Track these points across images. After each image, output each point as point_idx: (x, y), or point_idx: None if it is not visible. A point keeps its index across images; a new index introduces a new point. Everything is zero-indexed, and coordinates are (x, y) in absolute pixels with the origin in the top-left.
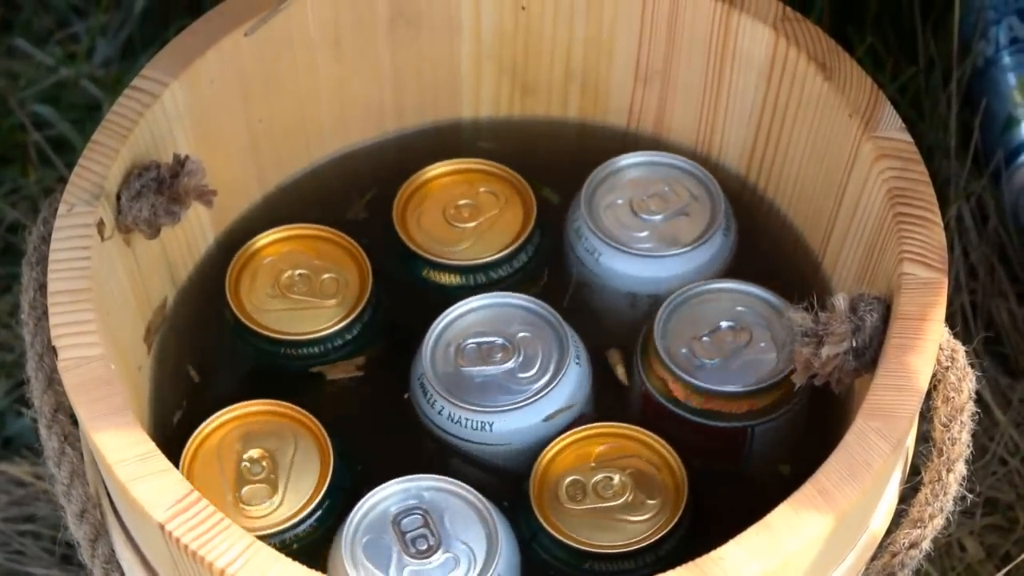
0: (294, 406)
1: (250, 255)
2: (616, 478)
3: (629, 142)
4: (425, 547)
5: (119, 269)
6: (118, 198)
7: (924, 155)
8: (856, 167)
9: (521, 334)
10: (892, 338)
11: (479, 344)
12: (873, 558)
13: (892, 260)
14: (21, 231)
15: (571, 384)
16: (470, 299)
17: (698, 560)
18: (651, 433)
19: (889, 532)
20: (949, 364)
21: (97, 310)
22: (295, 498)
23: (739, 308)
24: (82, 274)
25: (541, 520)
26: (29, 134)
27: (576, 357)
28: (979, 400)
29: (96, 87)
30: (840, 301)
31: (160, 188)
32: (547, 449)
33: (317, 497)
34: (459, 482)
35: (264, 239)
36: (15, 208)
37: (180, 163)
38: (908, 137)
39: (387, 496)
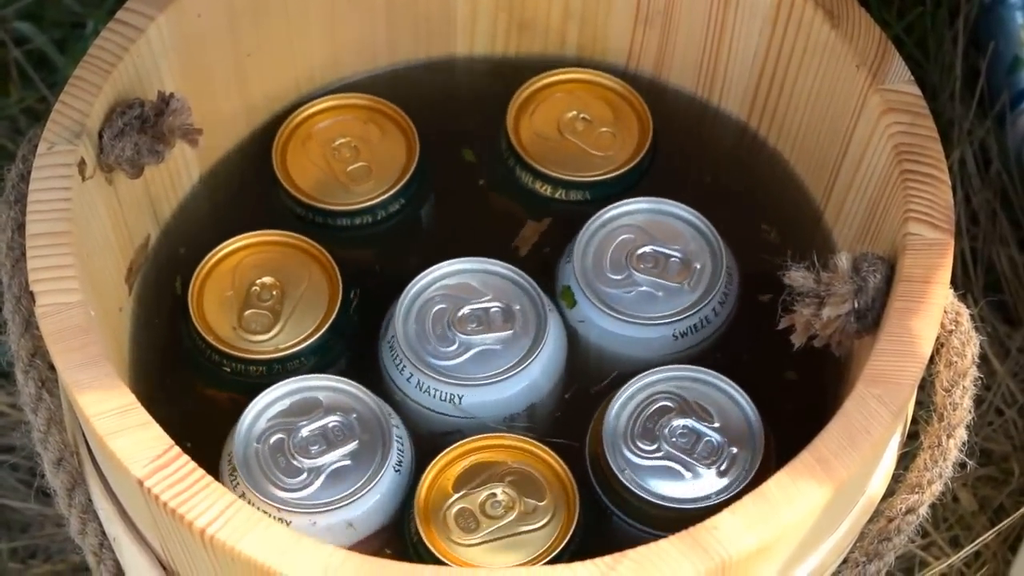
0: (318, 246)
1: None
2: (499, 492)
3: (628, 82)
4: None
5: (100, 209)
6: (100, 136)
7: (928, 96)
8: (862, 120)
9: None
10: (895, 301)
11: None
12: (869, 521)
13: (897, 219)
14: (1, 154)
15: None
16: (443, 264)
17: (691, 530)
18: (506, 433)
19: (886, 496)
20: (953, 328)
21: (77, 254)
22: (293, 331)
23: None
24: (62, 215)
25: (448, 562)
26: (9, 51)
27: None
28: None
29: (79, 4)
30: (842, 260)
31: (144, 127)
32: (416, 495)
33: (315, 335)
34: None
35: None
36: None
37: (165, 101)
38: (917, 90)
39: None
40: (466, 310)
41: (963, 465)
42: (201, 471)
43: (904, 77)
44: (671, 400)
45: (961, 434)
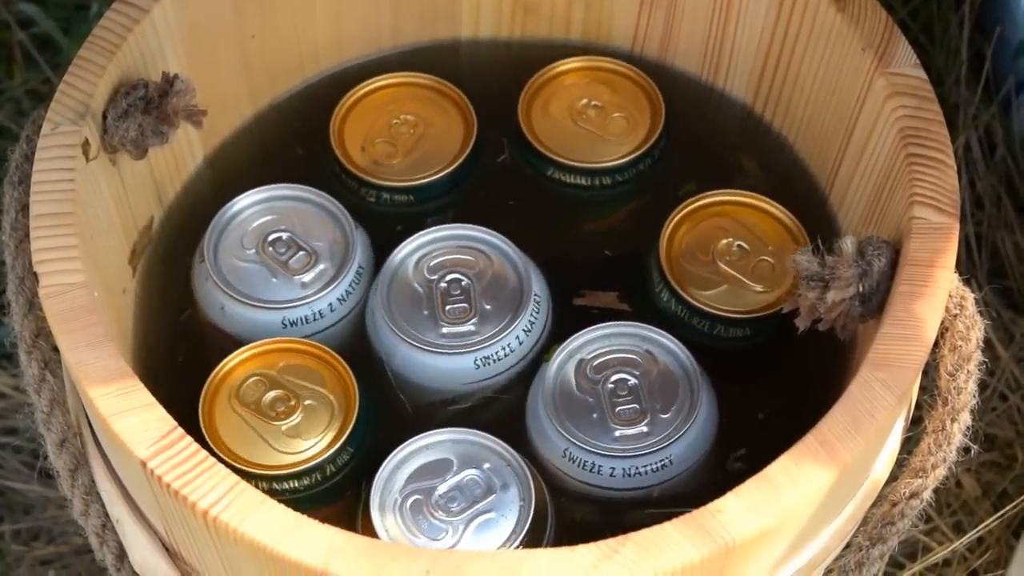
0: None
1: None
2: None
3: (633, 66)
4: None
5: (104, 190)
6: (104, 117)
7: (933, 81)
8: (867, 103)
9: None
10: (900, 285)
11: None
12: (873, 505)
13: (902, 203)
14: (5, 135)
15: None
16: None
17: (695, 513)
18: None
19: (890, 480)
20: (958, 312)
21: (81, 235)
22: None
23: None
24: (66, 196)
25: None
26: (14, 33)
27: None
28: None
29: None
30: (847, 244)
31: (148, 108)
32: None
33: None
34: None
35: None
36: (0, 109)
37: (169, 82)
38: (923, 74)
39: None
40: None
41: (967, 450)
42: (204, 452)
43: (910, 61)
44: None
45: (965, 418)
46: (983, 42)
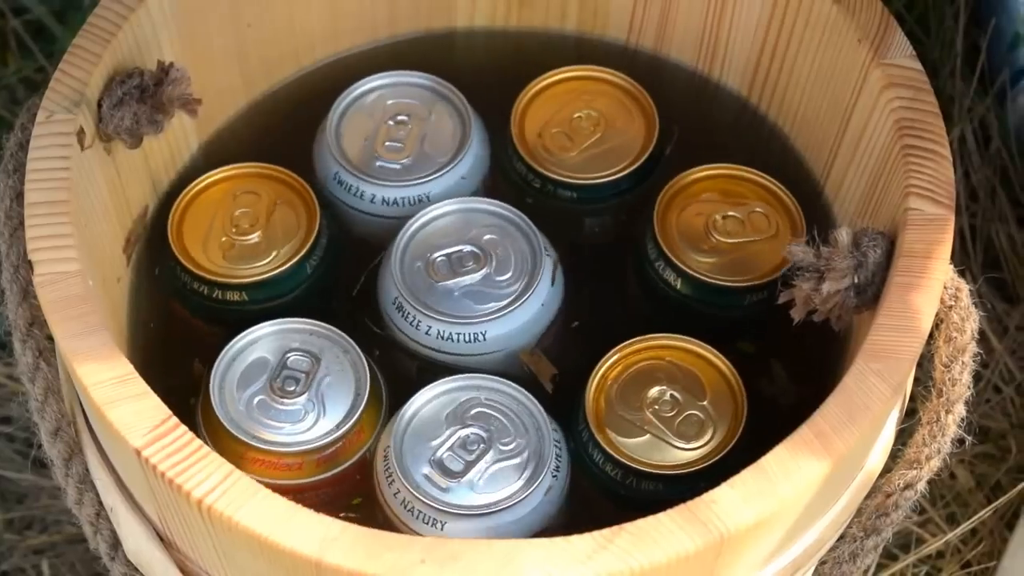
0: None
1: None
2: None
3: (628, 57)
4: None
5: (99, 178)
6: (99, 106)
7: (928, 73)
8: (863, 94)
9: (487, 237)
10: (896, 276)
11: (448, 255)
12: (867, 497)
13: (898, 194)
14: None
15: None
16: (431, 208)
17: (690, 503)
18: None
19: (885, 472)
20: (953, 303)
21: (75, 223)
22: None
23: None
24: (61, 185)
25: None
26: (8, 20)
27: (547, 252)
28: None
29: None
30: (843, 235)
31: (143, 96)
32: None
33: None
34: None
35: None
36: None
37: (164, 71)
38: (919, 65)
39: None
40: (460, 248)
41: (961, 442)
42: (199, 441)
43: (906, 52)
44: None
45: (960, 410)
46: (978, 34)
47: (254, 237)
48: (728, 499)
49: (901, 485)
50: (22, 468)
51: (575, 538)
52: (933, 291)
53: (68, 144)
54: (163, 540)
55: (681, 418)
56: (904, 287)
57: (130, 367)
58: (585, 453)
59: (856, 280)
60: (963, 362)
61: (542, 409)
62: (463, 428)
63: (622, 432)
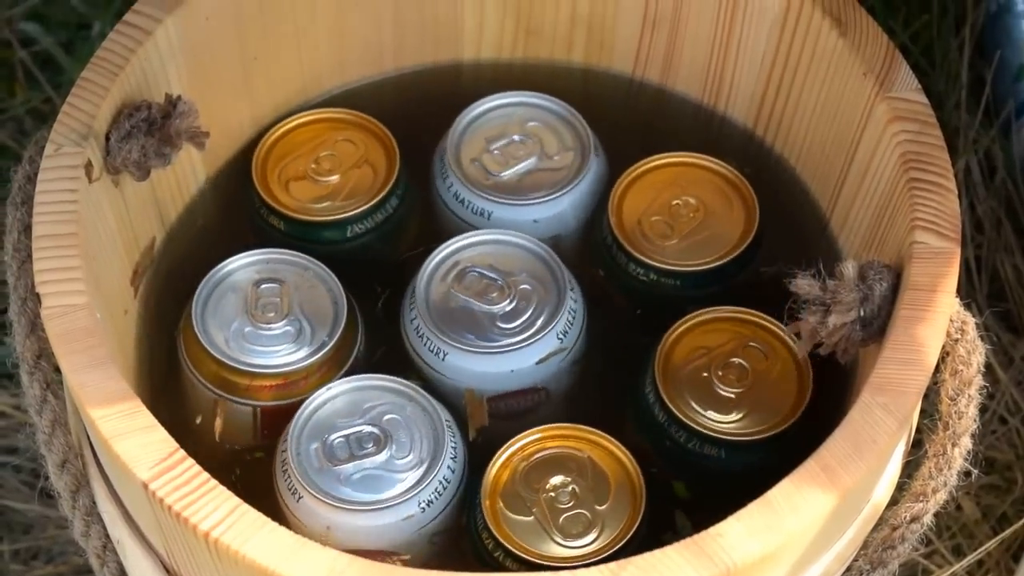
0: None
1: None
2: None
3: (634, 89)
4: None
5: (107, 211)
6: (107, 139)
7: (933, 105)
8: (869, 127)
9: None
10: (901, 309)
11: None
12: (873, 530)
13: (903, 227)
14: (6, 154)
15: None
16: (466, 235)
17: (696, 537)
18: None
19: (891, 504)
20: (959, 336)
21: (83, 255)
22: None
23: None
24: (68, 218)
25: None
26: (15, 52)
27: (572, 294)
28: None
29: (85, 5)
30: (849, 268)
31: (151, 129)
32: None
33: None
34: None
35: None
36: (2, 128)
37: (172, 104)
38: (924, 99)
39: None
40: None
41: (967, 474)
42: (206, 475)
43: (911, 85)
44: None
45: (966, 443)
46: (983, 66)
47: (333, 179)
48: (734, 532)
49: (907, 518)
50: (29, 499)
51: (582, 571)
52: (939, 324)
53: (76, 177)
54: (169, 572)
55: (571, 513)
56: (910, 320)
57: (137, 400)
58: (470, 506)
59: (862, 313)
60: (969, 395)
61: (457, 432)
62: (368, 426)
63: (510, 506)
